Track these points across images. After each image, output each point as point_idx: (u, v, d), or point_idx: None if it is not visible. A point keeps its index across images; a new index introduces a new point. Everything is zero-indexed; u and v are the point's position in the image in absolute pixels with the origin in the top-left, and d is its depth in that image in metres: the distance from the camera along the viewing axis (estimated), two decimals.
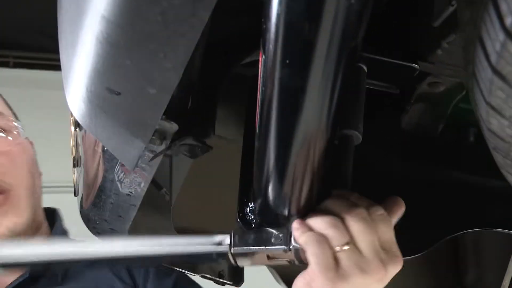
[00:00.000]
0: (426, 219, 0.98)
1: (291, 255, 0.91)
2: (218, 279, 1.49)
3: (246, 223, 1.00)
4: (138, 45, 0.71)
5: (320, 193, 0.89)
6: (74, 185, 1.33)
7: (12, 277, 1.29)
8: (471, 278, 1.56)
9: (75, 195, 1.34)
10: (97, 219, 1.23)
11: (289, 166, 0.82)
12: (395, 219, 0.91)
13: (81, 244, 0.99)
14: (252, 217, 0.99)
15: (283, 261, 0.93)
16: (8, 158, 1.30)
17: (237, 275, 1.53)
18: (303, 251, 0.89)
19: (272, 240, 0.90)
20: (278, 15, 0.62)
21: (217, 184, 1.40)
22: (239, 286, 1.54)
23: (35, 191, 1.36)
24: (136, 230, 1.39)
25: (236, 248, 0.91)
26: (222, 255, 0.92)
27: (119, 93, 0.79)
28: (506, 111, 0.61)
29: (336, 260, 0.85)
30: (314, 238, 0.86)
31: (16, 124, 1.38)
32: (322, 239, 0.85)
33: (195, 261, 0.94)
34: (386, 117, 1.11)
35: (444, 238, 1.12)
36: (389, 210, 0.90)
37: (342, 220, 0.86)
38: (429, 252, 1.12)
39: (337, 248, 0.85)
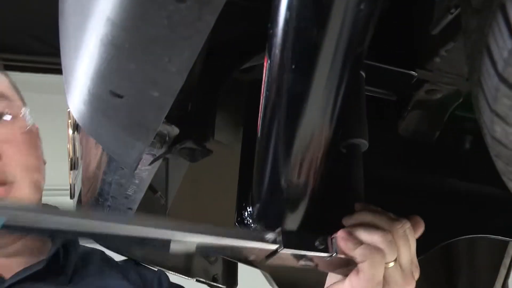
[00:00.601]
0: None
1: (325, 261, 0.90)
2: (212, 283, 1.49)
3: (244, 227, 0.99)
4: (143, 48, 0.70)
5: (335, 202, 0.89)
6: (71, 188, 1.31)
7: (19, 267, 1.22)
8: (464, 283, 1.57)
9: (71, 198, 1.33)
10: None
11: (290, 172, 0.81)
12: (417, 236, 0.93)
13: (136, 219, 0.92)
14: (250, 221, 0.99)
15: (308, 266, 0.92)
16: (13, 147, 1.18)
17: (230, 279, 1.53)
18: (337, 260, 0.88)
19: (316, 244, 0.88)
20: (286, 21, 0.61)
21: (213, 188, 1.40)
22: None
23: (39, 182, 1.24)
24: None
25: (286, 249, 0.88)
26: (272, 252, 0.88)
27: (121, 96, 0.78)
28: (511, 118, 0.60)
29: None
30: (375, 252, 0.86)
31: (23, 109, 1.27)
32: (381, 253, 0.86)
33: (237, 255, 0.89)
34: (384, 123, 1.11)
35: (440, 244, 1.12)
36: (413, 227, 0.92)
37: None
38: (424, 257, 1.12)
39: (386, 264, 0.87)
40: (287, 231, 0.89)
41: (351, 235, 0.88)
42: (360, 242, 0.87)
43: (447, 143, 1.13)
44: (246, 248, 0.87)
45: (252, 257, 0.90)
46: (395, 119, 1.10)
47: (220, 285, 1.51)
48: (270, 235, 0.87)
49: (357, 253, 0.87)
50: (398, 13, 0.98)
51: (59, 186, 2.10)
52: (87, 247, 1.39)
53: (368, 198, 0.93)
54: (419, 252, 1.08)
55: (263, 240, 0.87)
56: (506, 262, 1.46)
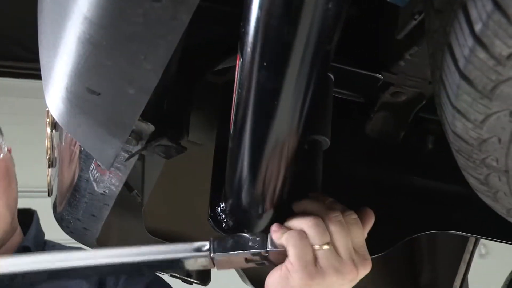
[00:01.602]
0: (385, 222, 0.98)
1: (268, 257, 0.91)
2: (186, 278, 1.47)
3: (217, 222, 0.98)
4: (119, 45, 0.69)
5: (292, 194, 0.89)
6: (48, 185, 1.30)
7: None
8: (426, 278, 1.57)
9: (49, 195, 1.31)
10: (71, 219, 1.20)
11: (261, 166, 0.81)
12: (367, 228, 0.92)
13: (61, 256, 0.96)
14: (223, 216, 0.98)
15: (259, 263, 0.93)
16: None
17: (204, 274, 1.51)
18: (280, 253, 0.89)
19: (250, 243, 0.90)
20: (258, 19, 0.61)
21: (188, 187, 1.39)
22: (206, 285, 1.53)
23: (12, 203, 1.32)
24: (108, 230, 1.37)
25: (216, 253, 0.91)
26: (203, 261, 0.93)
27: (98, 93, 0.77)
28: (471, 114, 0.61)
29: (315, 257, 0.85)
30: (296, 234, 0.86)
31: None
32: (304, 235, 0.85)
33: (175, 267, 0.94)
34: (351, 123, 1.11)
35: (402, 239, 1.12)
36: (362, 219, 0.91)
37: (322, 221, 0.86)
38: (387, 253, 1.12)
39: (317, 247, 0.85)
40: (219, 237, 0.93)
41: (281, 226, 0.88)
42: (289, 230, 0.87)
43: (411, 143, 1.13)
44: (184, 259, 0.93)
45: (196, 266, 0.94)
46: (363, 120, 1.10)
47: (194, 281, 1.49)
48: (197, 244, 0.92)
49: (283, 240, 0.87)
50: (365, 18, 0.99)
51: (38, 188, 2.07)
52: (50, 241, 1.39)
53: (334, 193, 0.93)
54: (383, 247, 1.08)
55: (196, 250, 0.92)
56: (465, 258, 1.47)
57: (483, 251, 4.39)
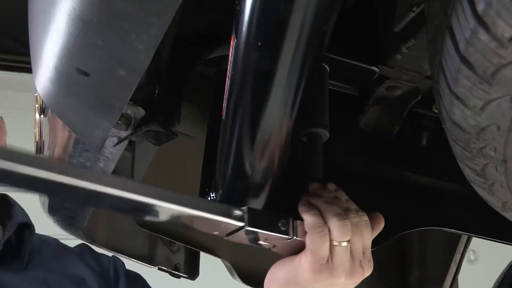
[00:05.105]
0: None
1: (283, 244, 0.85)
2: (174, 271, 1.46)
3: None
4: (111, 23, 0.67)
5: (292, 187, 0.86)
6: None
7: None
8: (416, 277, 1.56)
9: None
10: (58, 207, 1.18)
11: (254, 154, 0.78)
12: (376, 232, 0.89)
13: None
14: None
15: (268, 247, 0.87)
16: None
17: (192, 268, 1.49)
18: (297, 244, 0.84)
19: (279, 225, 0.83)
20: None
21: (178, 179, 1.36)
22: (194, 279, 1.51)
23: None
24: (97, 221, 1.34)
25: (252, 228, 0.81)
26: (236, 229, 0.82)
27: (88, 74, 0.75)
28: (470, 100, 0.59)
29: (330, 253, 0.83)
30: (321, 228, 0.82)
31: None
32: (326, 232, 0.82)
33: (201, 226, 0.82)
34: (345, 117, 1.09)
35: (394, 235, 1.10)
36: (372, 223, 0.88)
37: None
38: (377, 250, 1.09)
39: (335, 243, 0.83)
40: (253, 209, 0.83)
41: (311, 207, 0.84)
42: (317, 212, 0.84)
43: (405, 139, 1.12)
44: (212, 221, 0.80)
45: (216, 232, 0.84)
46: (357, 113, 1.08)
47: (182, 274, 1.47)
48: (237, 212, 0.81)
49: (308, 219, 0.83)
50: (363, 9, 0.97)
51: None
52: (42, 235, 1.35)
53: None
54: (375, 243, 1.06)
55: (230, 216, 0.81)
56: (456, 258, 1.46)
57: (472, 257, 4.38)
